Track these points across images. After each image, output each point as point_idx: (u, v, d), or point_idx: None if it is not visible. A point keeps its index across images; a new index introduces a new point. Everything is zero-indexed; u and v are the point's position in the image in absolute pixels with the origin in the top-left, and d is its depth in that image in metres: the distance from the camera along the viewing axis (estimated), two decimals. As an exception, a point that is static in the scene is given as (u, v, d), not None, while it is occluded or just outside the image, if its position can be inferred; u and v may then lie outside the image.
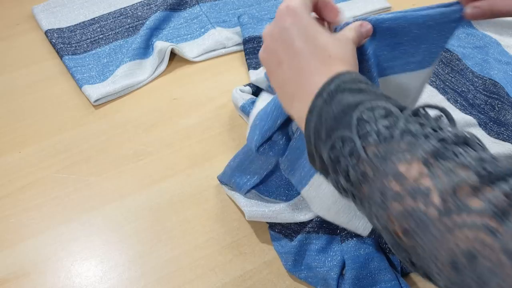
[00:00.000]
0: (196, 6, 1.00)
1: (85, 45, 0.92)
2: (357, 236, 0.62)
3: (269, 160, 0.64)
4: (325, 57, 0.43)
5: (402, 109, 0.38)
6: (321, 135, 0.40)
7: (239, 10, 1.00)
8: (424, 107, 0.39)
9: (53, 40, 0.92)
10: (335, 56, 0.43)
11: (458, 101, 0.80)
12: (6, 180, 0.73)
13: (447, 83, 0.83)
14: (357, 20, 0.49)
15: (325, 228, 0.64)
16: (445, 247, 0.32)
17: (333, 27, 0.50)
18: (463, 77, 0.84)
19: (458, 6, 0.50)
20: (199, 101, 0.84)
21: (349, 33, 0.47)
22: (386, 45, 0.50)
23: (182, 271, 0.63)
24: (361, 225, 0.59)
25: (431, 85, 0.83)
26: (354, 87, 0.40)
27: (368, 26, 0.49)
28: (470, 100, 0.80)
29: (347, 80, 0.40)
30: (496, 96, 0.78)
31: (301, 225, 0.64)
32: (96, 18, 0.97)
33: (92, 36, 0.94)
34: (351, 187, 0.38)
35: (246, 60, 0.86)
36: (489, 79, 0.82)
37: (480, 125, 0.76)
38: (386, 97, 0.40)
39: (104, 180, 0.72)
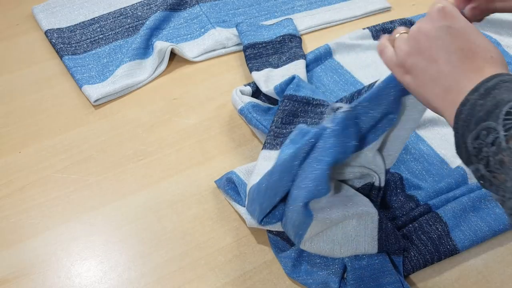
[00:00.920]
0: (196, 6, 1.00)
1: (85, 45, 0.92)
2: None
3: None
4: (487, 58, 0.45)
5: None
6: (470, 126, 0.42)
7: (239, 10, 1.00)
8: None
9: (53, 40, 0.92)
10: (496, 58, 0.46)
11: (458, 101, 0.80)
12: (6, 180, 0.73)
13: (447, 83, 0.83)
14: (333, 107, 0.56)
15: None
16: None
17: None
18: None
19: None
20: (199, 101, 0.84)
21: None
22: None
23: (182, 271, 0.63)
24: (367, 245, 0.60)
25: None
26: (507, 87, 0.42)
27: None
28: (470, 100, 0.80)
29: (506, 80, 0.43)
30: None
31: None
32: (96, 18, 0.97)
33: (92, 36, 0.94)
34: (489, 175, 0.41)
35: (248, 64, 0.86)
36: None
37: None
38: None
39: (104, 180, 0.72)
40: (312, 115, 0.74)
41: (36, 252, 0.65)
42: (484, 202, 0.65)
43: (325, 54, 0.89)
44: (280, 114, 0.73)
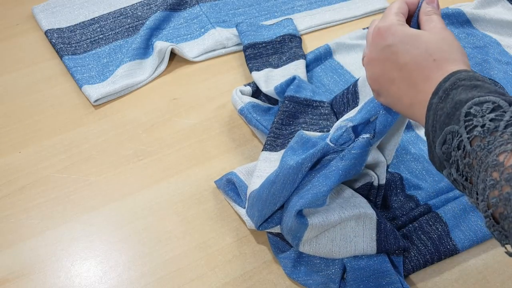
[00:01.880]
0: (196, 6, 1.00)
1: (85, 45, 0.92)
2: None
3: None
4: (430, 63, 0.46)
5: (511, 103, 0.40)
6: (436, 131, 0.43)
7: (239, 10, 1.00)
8: None
9: (53, 40, 0.92)
10: (440, 57, 0.46)
11: (458, 101, 0.80)
12: (6, 180, 0.73)
13: (447, 83, 0.83)
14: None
15: None
16: None
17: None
18: (463, 77, 0.84)
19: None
20: (199, 101, 0.84)
21: (438, 22, 0.50)
22: None
23: (182, 271, 0.63)
24: (366, 246, 0.60)
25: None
26: (468, 83, 0.42)
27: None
28: (470, 100, 0.80)
29: (462, 78, 0.43)
30: (496, 96, 0.78)
31: None
32: (96, 18, 0.97)
33: (92, 36, 0.94)
34: (461, 179, 0.41)
35: (248, 64, 0.86)
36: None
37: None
38: (499, 92, 0.41)
39: (104, 180, 0.72)
40: (311, 116, 0.74)
41: (36, 252, 0.65)
42: (484, 202, 0.65)
43: (325, 54, 0.89)
44: (281, 115, 0.73)
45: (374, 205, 0.63)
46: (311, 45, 0.93)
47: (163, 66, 0.89)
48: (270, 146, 0.70)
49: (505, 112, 0.39)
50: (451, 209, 0.65)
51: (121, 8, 1.00)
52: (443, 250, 0.62)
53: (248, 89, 0.81)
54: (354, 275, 0.59)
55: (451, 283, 0.61)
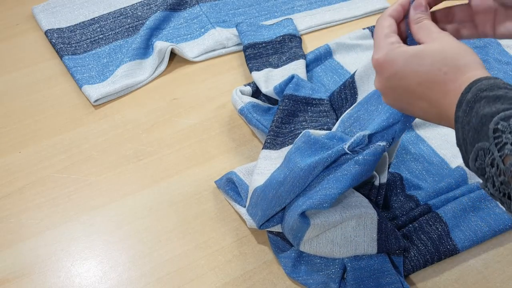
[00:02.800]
0: (196, 6, 1.00)
1: (85, 45, 0.92)
2: None
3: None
4: (441, 77, 0.44)
5: None
6: (467, 146, 0.42)
7: (239, 10, 1.00)
8: None
9: (53, 40, 0.92)
10: (449, 70, 0.44)
11: (458, 101, 0.80)
12: (6, 180, 0.73)
13: (447, 83, 0.83)
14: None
15: None
16: None
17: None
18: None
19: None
20: (199, 101, 0.84)
21: (430, 28, 0.48)
22: None
23: (182, 271, 0.63)
24: (366, 246, 0.60)
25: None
26: (490, 95, 0.41)
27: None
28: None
29: (484, 88, 0.42)
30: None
31: None
32: (96, 18, 0.97)
33: (92, 36, 0.94)
34: (498, 194, 0.40)
35: (248, 64, 0.86)
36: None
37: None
38: None
39: (104, 180, 0.72)
40: (311, 114, 0.74)
41: (36, 252, 0.65)
42: (484, 202, 0.65)
43: (325, 54, 0.89)
44: (280, 113, 0.73)
45: (375, 204, 0.63)
46: (311, 45, 0.93)
47: (163, 66, 0.89)
48: (270, 144, 0.70)
49: None
50: (451, 209, 0.65)
51: (121, 8, 1.00)
52: (443, 250, 0.62)
53: (248, 89, 0.81)
54: (355, 275, 0.59)
55: (451, 283, 0.61)
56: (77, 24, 0.96)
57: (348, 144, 0.58)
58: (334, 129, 0.63)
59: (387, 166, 0.63)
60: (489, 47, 0.88)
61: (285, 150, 0.68)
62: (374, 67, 0.49)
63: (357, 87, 0.73)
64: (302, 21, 0.97)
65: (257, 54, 0.87)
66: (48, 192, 0.71)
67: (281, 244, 0.63)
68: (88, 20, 0.97)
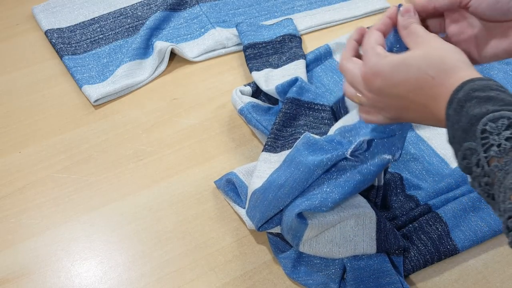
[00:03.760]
0: (196, 6, 1.00)
1: (85, 45, 0.92)
2: None
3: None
4: (429, 81, 0.44)
5: None
6: (455, 145, 0.42)
7: (239, 10, 1.00)
8: None
9: (53, 40, 0.92)
10: (437, 73, 0.44)
11: (458, 101, 0.80)
12: (6, 180, 0.73)
13: (447, 83, 0.83)
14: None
15: None
16: None
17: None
18: (463, 77, 0.83)
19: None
20: (199, 101, 0.84)
21: (418, 32, 0.48)
22: None
23: (182, 271, 0.63)
24: (366, 246, 0.60)
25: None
26: (482, 95, 0.41)
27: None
28: (470, 100, 0.80)
29: (476, 88, 0.42)
30: (496, 96, 0.78)
31: None
32: (96, 18, 0.97)
33: (92, 36, 0.94)
34: (483, 194, 0.41)
35: (248, 64, 0.86)
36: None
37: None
38: None
39: (104, 180, 0.72)
40: (312, 119, 0.74)
41: (36, 252, 0.65)
42: (484, 202, 0.65)
43: (325, 54, 0.89)
44: (282, 117, 0.73)
45: (374, 205, 0.63)
46: (311, 45, 0.93)
47: (163, 66, 0.89)
48: (270, 147, 0.70)
49: None
50: (451, 209, 0.65)
51: (121, 8, 0.99)
52: (443, 250, 0.62)
53: (248, 89, 0.81)
54: (354, 275, 0.59)
55: (451, 283, 0.61)
56: (77, 24, 0.96)
57: (350, 150, 0.58)
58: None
59: (383, 171, 0.63)
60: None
61: (284, 153, 0.68)
62: (364, 81, 0.48)
63: (347, 106, 0.73)
64: (302, 21, 0.97)
65: (257, 54, 0.87)
66: (48, 192, 0.71)
67: (281, 244, 0.63)
68: (88, 20, 0.97)
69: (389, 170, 0.68)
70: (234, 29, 0.94)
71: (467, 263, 0.62)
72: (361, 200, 0.61)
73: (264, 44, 0.89)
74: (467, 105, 0.41)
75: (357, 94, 0.50)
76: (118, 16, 0.98)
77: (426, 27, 0.52)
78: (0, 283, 0.61)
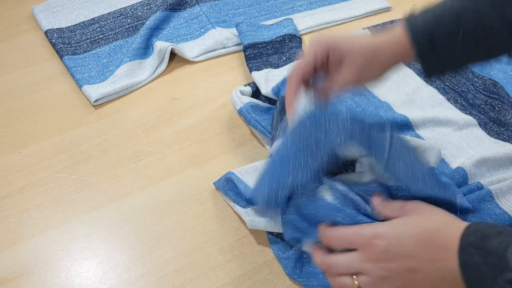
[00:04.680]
0: (196, 6, 1.00)
1: (85, 45, 0.92)
2: None
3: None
4: (435, 233, 0.46)
5: None
6: (486, 284, 0.41)
7: (239, 10, 1.00)
8: None
9: (53, 40, 0.92)
10: (438, 234, 0.46)
11: (458, 101, 0.80)
12: (6, 180, 0.73)
13: (447, 83, 0.83)
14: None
15: None
16: None
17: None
18: (463, 77, 0.84)
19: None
20: (199, 101, 0.84)
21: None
22: None
23: (182, 271, 0.63)
24: None
25: (431, 85, 0.83)
26: (492, 231, 0.42)
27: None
28: (470, 100, 0.80)
29: (481, 229, 0.43)
30: (496, 96, 0.78)
31: None
32: (96, 18, 0.97)
33: (92, 36, 0.94)
34: None
35: (248, 64, 0.86)
36: (489, 79, 0.82)
37: (480, 125, 0.76)
38: None
39: (104, 180, 0.72)
40: None
41: (36, 252, 0.65)
42: (484, 203, 0.65)
43: None
44: (276, 114, 0.73)
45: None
46: (311, 45, 0.93)
47: (163, 66, 0.89)
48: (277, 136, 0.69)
49: None
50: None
51: (121, 8, 1.00)
52: (443, 250, 0.62)
53: (248, 89, 0.81)
54: None
55: (451, 283, 0.61)
56: (77, 24, 0.96)
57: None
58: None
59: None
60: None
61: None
62: (364, 250, 0.48)
63: None
64: (302, 21, 0.97)
65: (257, 54, 0.87)
66: (48, 192, 0.71)
67: (282, 245, 0.63)
68: (88, 20, 0.97)
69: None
70: (234, 29, 0.94)
71: (467, 263, 0.62)
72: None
73: (264, 44, 0.89)
74: (485, 244, 0.42)
75: (354, 279, 0.49)
76: (118, 16, 0.98)
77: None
78: (0, 283, 0.61)
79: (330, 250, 0.52)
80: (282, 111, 0.71)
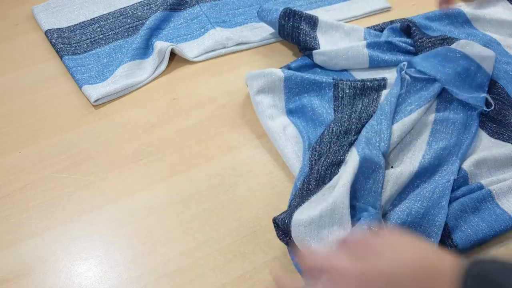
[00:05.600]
0: (196, 6, 1.00)
1: (85, 45, 0.92)
2: None
3: None
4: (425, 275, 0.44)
5: None
6: None
7: (239, 10, 1.00)
8: None
9: (53, 40, 0.92)
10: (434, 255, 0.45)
11: (458, 101, 0.80)
12: (6, 180, 0.73)
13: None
14: None
15: None
16: None
17: None
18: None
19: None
20: (199, 101, 0.84)
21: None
22: None
23: (182, 271, 0.63)
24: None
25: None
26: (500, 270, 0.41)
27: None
28: (470, 100, 0.80)
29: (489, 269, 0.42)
30: (496, 96, 0.78)
31: None
32: (96, 18, 0.97)
33: (92, 36, 0.94)
34: None
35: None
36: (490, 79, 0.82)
37: (480, 125, 0.76)
38: None
39: (104, 180, 0.72)
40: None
41: (36, 252, 0.65)
42: (484, 203, 0.65)
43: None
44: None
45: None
46: (311, 45, 0.92)
47: (163, 66, 0.89)
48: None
49: None
50: (452, 209, 0.64)
51: (121, 8, 1.00)
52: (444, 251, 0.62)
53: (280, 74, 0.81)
54: None
55: (451, 283, 0.61)
56: (77, 24, 0.96)
57: None
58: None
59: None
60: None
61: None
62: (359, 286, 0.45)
63: None
64: (302, 21, 0.97)
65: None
66: (48, 192, 0.71)
67: None
68: (88, 20, 0.97)
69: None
70: (234, 29, 0.94)
71: (467, 263, 0.62)
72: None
73: None
74: (491, 277, 0.41)
75: None
76: (118, 16, 0.98)
77: None
78: (0, 283, 0.61)
79: None
80: None
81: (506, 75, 0.82)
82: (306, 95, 0.79)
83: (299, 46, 0.88)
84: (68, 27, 0.96)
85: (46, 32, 0.94)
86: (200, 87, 0.86)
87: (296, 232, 0.59)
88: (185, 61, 0.91)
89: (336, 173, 0.65)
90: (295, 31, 0.86)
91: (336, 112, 0.76)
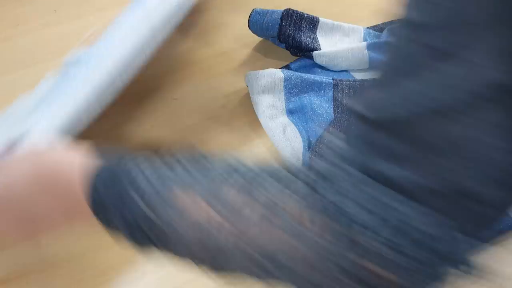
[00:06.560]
0: (196, 6, 1.00)
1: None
2: None
3: None
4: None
5: None
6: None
7: (239, 10, 1.00)
8: None
9: (53, 40, 0.92)
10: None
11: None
12: (6, 180, 0.72)
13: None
14: None
15: None
16: None
17: None
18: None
19: None
20: (199, 101, 0.83)
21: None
22: None
23: (182, 271, 0.62)
24: None
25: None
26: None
27: None
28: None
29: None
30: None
31: None
32: (96, 18, 0.97)
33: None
34: None
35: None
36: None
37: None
38: None
39: (104, 180, 0.72)
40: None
41: (36, 252, 0.64)
42: (484, 202, 0.65)
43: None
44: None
45: None
46: (311, 45, 0.92)
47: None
48: None
49: None
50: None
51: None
52: (443, 250, 0.62)
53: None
54: None
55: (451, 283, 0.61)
56: (77, 24, 0.96)
57: None
58: None
59: None
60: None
61: None
62: None
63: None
64: (302, 21, 0.97)
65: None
66: (48, 192, 0.71)
67: None
68: (88, 20, 0.97)
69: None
70: (234, 29, 0.94)
71: (467, 263, 0.62)
72: None
73: None
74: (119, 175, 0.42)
75: None
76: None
77: None
78: (0, 283, 0.61)
79: None
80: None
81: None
82: (306, 95, 0.79)
83: (293, 50, 0.87)
84: (68, 27, 0.95)
85: (46, 32, 0.94)
86: (200, 87, 0.86)
87: None
88: (185, 61, 0.90)
89: None
90: (296, 32, 0.86)
91: (336, 112, 0.76)
